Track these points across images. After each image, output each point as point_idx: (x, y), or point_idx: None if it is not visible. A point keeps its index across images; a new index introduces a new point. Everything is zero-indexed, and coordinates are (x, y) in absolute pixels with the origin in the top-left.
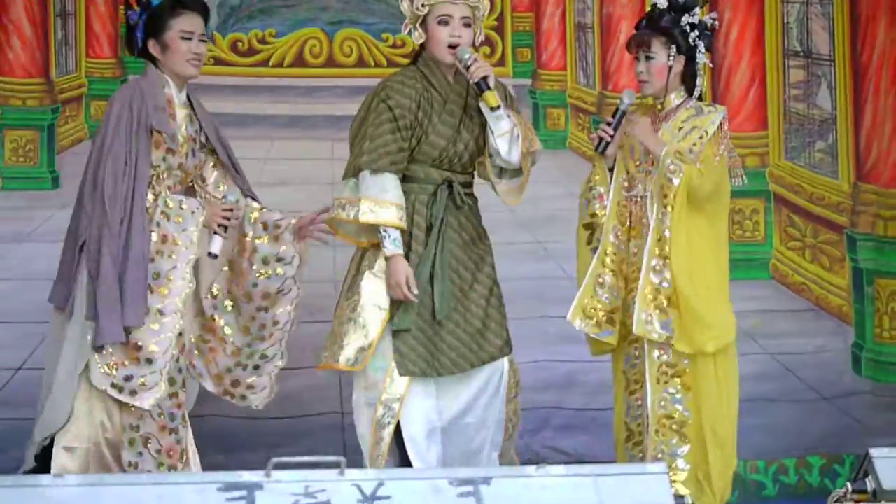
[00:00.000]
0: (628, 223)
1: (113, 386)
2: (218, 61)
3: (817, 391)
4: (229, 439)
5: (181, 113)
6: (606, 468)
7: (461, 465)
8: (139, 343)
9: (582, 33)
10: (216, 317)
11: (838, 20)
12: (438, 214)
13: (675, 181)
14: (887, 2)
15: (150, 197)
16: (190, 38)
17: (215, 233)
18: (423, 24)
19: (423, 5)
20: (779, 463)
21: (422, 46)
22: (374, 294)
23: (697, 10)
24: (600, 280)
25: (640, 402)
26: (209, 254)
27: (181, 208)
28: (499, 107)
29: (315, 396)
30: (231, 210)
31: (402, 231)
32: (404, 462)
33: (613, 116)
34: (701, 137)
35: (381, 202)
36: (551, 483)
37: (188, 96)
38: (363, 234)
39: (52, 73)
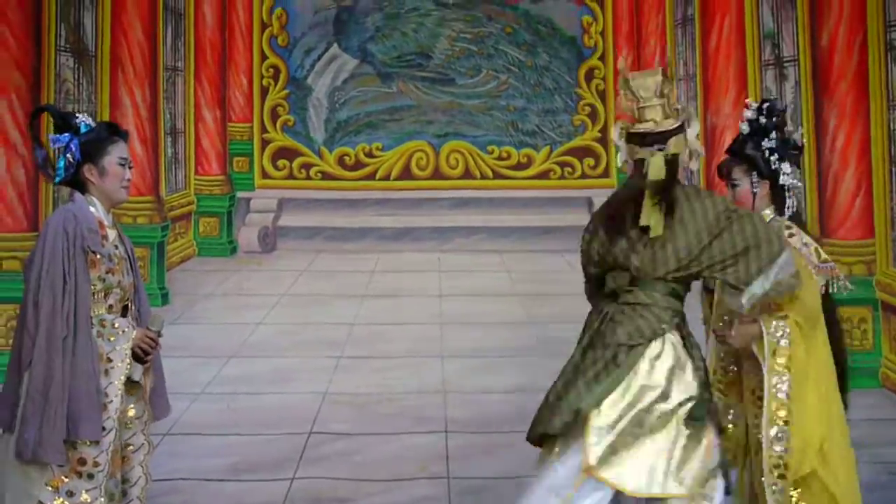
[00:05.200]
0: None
1: (58, 501)
2: (325, 176)
3: None
4: None
5: (112, 234)
6: None
7: None
8: (83, 458)
9: None
10: None
11: None
12: None
13: (784, 342)
14: None
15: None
16: (124, 165)
17: (135, 358)
18: None
19: None
20: None
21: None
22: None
23: (775, 133)
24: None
25: None
26: (129, 379)
27: (113, 327)
28: None
29: None
30: (155, 340)
31: None
32: None
33: None
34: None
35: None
36: None
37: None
38: None
39: (161, 191)
